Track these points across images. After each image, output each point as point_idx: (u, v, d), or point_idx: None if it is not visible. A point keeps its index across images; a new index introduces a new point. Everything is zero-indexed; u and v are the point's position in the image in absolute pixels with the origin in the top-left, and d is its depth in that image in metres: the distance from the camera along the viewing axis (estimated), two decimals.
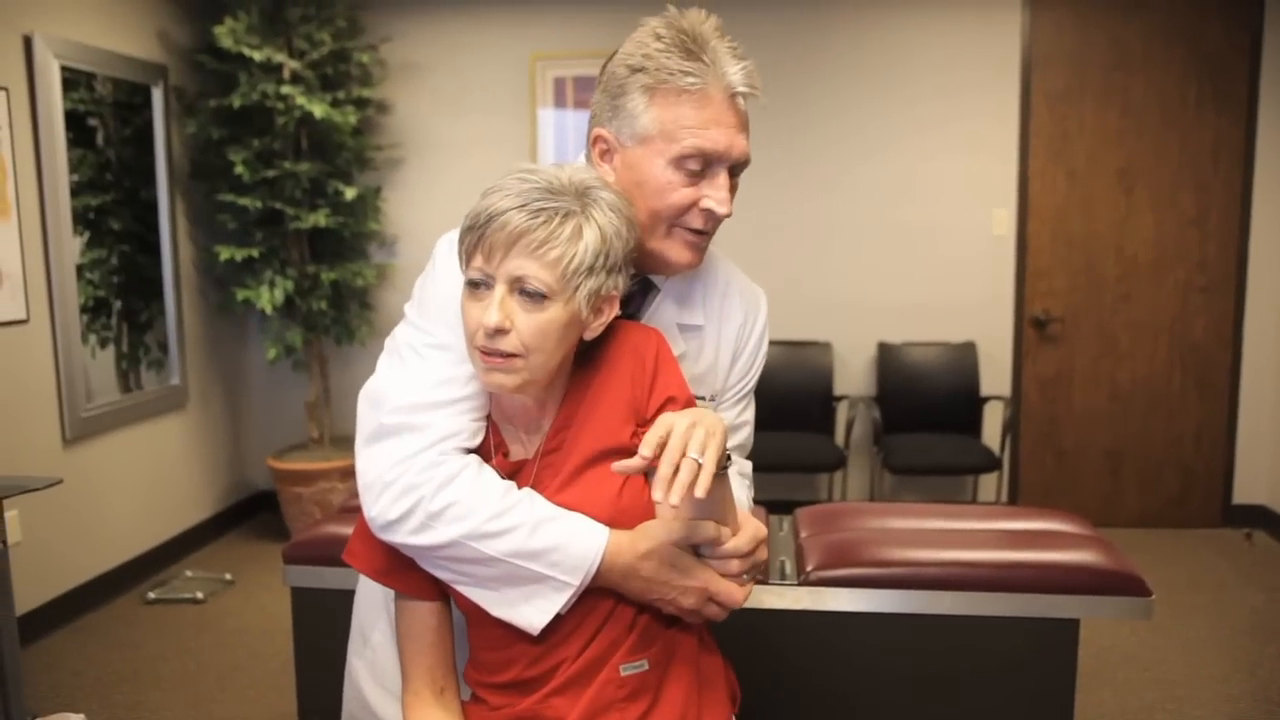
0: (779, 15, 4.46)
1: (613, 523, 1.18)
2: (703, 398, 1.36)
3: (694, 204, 1.24)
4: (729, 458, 1.12)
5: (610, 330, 1.22)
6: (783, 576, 2.02)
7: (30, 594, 3.31)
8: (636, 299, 1.34)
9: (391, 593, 1.30)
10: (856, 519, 2.28)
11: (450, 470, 1.17)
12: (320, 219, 4.14)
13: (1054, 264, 4.51)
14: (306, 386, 4.51)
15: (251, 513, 4.78)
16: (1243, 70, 4.33)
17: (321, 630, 2.14)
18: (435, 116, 4.62)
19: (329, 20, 4.19)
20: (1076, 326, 4.54)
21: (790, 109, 4.49)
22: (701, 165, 1.22)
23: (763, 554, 1.24)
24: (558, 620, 1.18)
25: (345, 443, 4.41)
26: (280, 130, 4.08)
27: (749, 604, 1.23)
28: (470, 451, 1.21)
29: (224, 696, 3.02)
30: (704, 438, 1.05)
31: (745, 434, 1.45)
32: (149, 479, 4.03)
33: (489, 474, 1.20)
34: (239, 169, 4.03)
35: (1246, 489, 4.53)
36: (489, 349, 1.12)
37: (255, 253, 4.17)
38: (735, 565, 1.21)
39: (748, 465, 1.46)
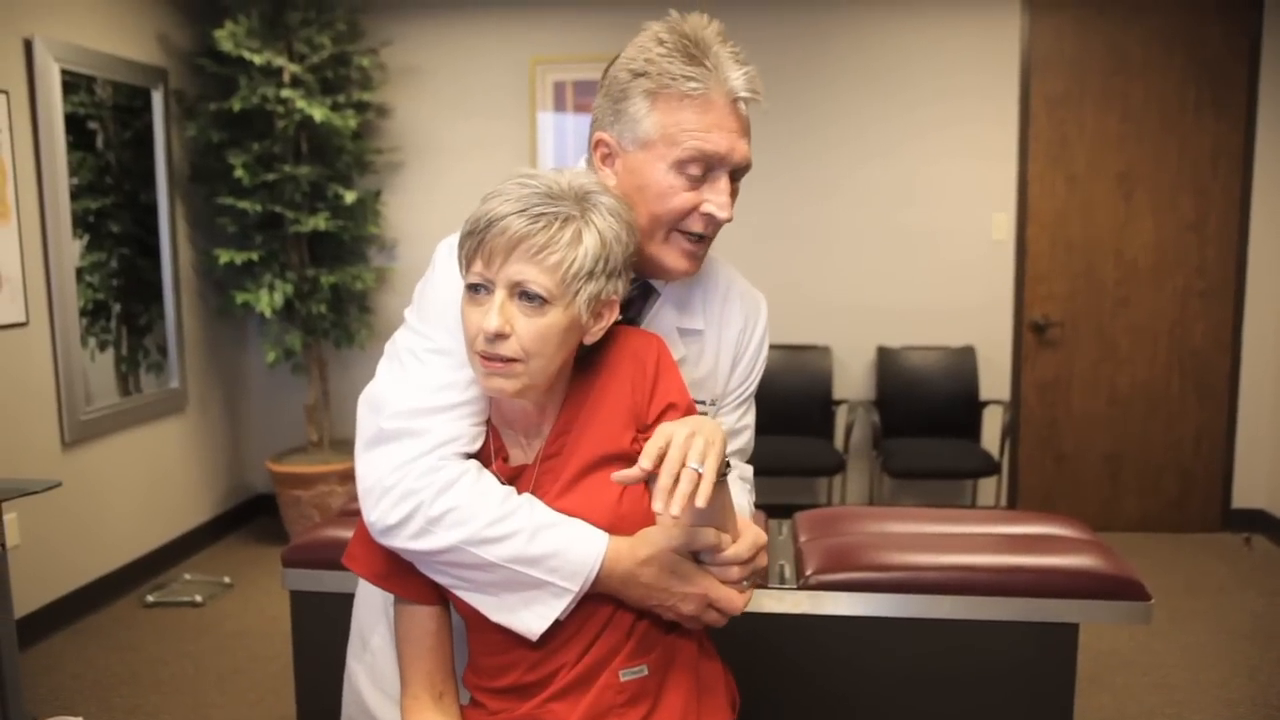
0: (779, 19, 4.46)
1: (613, 528, 1.18)
2: (703, 402, 1.36)
3: (694, 208, 1.24)
4: (728, 465, 1.12)
5: (610, 335, 1.22)
6: (782, 580, 2.02)
7: (29, 597, 3.30)
8: (636, 303, 1.34)
9: (391, 597, 1.30)
10: (856, 523, 2.27)
11: (450, 475, 1.17)
12: (320, 222, 4.14)
13: (1053, 268, 4.52)
14: (305, 390, 4.51)
15: (250, 516, 4.78)
16: (1242, 75, 4.34)
17: (320, 634, 2.14)
18: (435, 120, 4.62)
19: (329, 24, 4.19)
20: (1076, 331, 4.54)
21: (790, 113, 4.49)
22: (702, 170, 1.22)
23: (763, 561, 1.24)
24: (557, 626, 1.18)
25: (344, 446, 4.41)
26: (280, 134, 4.09)
27: (748, 608, 1.23)
28: (470, 456, 1.21)
29: (223, 700, 3.01)
30: (703, 447, 1.05)
31: (746, 438, 1.45)
32: (148, 482, 4.03)
33: (488, 479, 1.20)
34: (239, 172, 4.04)
35: (1246, 493, 4.53)
36: (489, 354, 1.12)
37: (255, 256, 4.17)
38: (735, 572, 1.21)
39: (749, 469, 1.46)
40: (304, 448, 4.46)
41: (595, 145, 1.28)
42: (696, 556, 1.20)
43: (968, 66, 4.44)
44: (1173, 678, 3.11)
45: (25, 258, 3.35)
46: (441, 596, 1.24)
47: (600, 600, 1.18)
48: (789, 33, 4.47)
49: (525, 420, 1.22)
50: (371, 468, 1.19)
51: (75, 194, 3.62)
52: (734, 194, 1.27)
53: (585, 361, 1.23)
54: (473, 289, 1.14)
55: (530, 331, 1.11)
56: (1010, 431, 4.48)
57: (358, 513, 1.23)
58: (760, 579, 1.32)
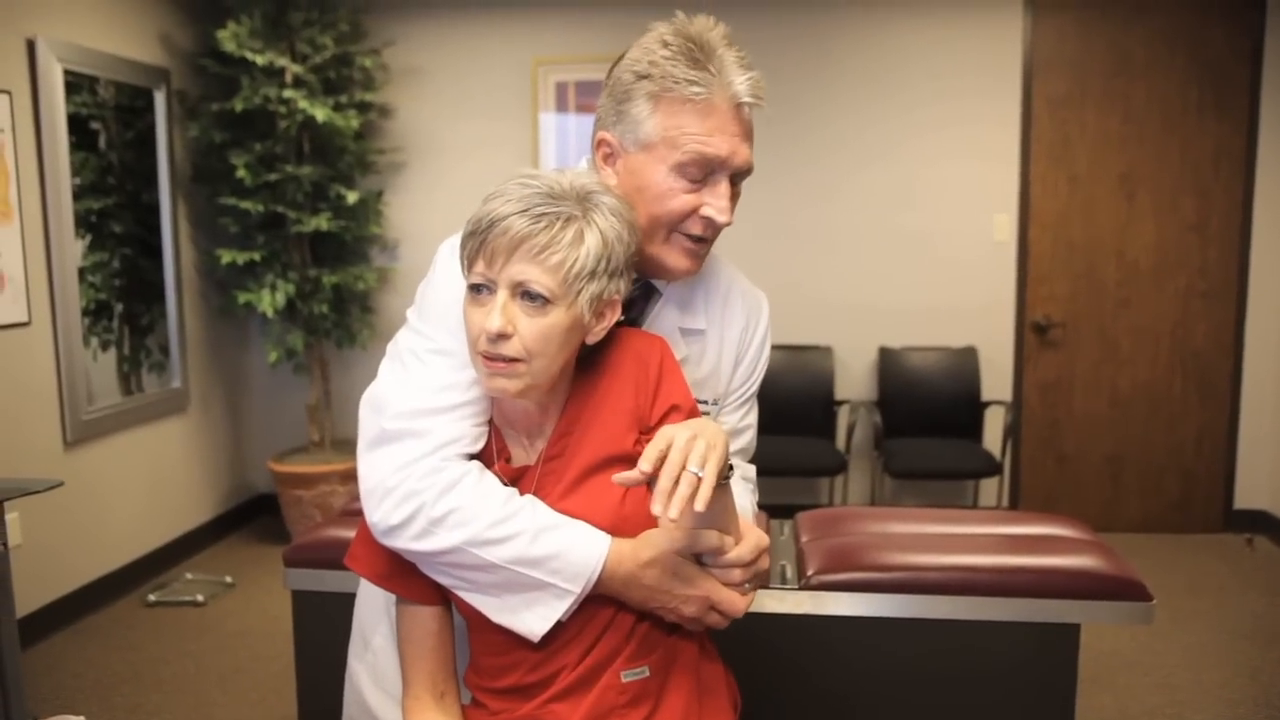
0: (780, 20, 4.46)
1: (615, 530, 1.18)
2: (705, 402, 1.36)
3: (694, 211, 1.24)
4: (730, 468, 1.12)
5: (613, 337, 1.22)
6: (784, 581, 2.02)
7: (31, 596, 3.31)
8: (639, 303, 1.34)
9: (393, 597, 1.30)
10: (857, 523, 2.27)
11: (452, 476, 1.17)
12: (322, 223, 4.15)
13: (1055, 269, 4.51)
14: (307, 390, 4.51)
15: (252, 515, 4.78)
16: (1244, 76, 4.34)
17: (322, 633, 2.14)
18: (437, 120, 4.62)
19: (331, 24, 4.20)
20: (1077, 331, 4.54)
21: (792, 114, 4.49)
22: (703, 172, 1.22)
23: (765, 563, 1.24)
24: (559, 627, 1.18)
25: (346, 446, 4.42)
26: (282, 134, 4.09)
27: (749, 609, 1.23)
28: (472, 457, 1.21)
29: (224, 699, 3.02)
30: (704, 450, 1.04)
31: (748, 438, 1.45)
32: (150, 481, 4.03)
33: (491, 480, 1.20)
34: (241, 173, 4.04)
35: (1247, 494, 4.53)
36: (491, 354, 1.12)
37: (257, 256, 4.18)
38: (737, 574, 1.20)
39: (751, 469, 1.46)
40: (305, 448, 4.46)
41: (597, 145, 1.28)
42: (699, 559, 1.20)
43: (970, 67, 4.44)
44: (1174, 678, 3.11)
45: (28, 258, 3.35)
46: (443, 597, 1.24)
47: (602, 602, 1.18)
48: (789, 33, 4.47)
49: (527, 421, 1.22)
50: (374, 468, 1.19)
51: (78, 194, 3.62)
52: (735, 197, 1.27)
53: (587, 363, 1.23)
54: (475, 289, 1.14)
55: (533, 331, 1.11)
56: (1012, 432, 4.48)
57: (359, 513, 1.23)
58: (762, 581, 1.32)
